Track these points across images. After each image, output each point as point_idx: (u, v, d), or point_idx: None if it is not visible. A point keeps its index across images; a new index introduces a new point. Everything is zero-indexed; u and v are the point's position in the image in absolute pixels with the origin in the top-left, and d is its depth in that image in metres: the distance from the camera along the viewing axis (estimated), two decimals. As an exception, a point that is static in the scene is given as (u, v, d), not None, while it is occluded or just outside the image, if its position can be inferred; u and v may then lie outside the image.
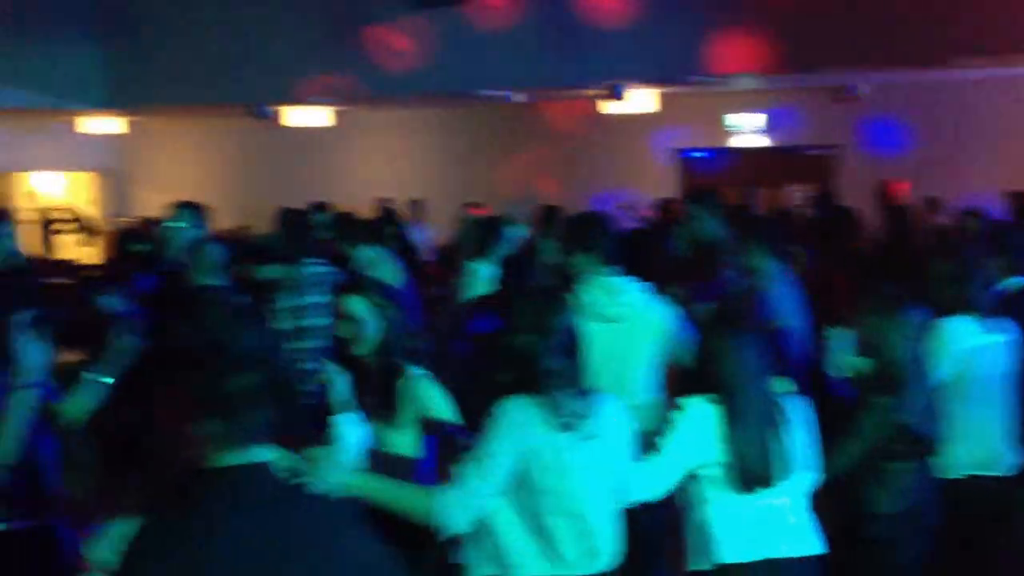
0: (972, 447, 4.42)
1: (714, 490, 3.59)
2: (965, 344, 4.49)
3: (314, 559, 2.42)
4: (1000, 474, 4.54)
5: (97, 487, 3.96)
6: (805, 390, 3.81)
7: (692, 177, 14.36)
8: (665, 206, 10.52)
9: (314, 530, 2.46)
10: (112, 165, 18.18)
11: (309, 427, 2.96)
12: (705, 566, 3.62)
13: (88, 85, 13.75)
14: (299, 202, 8.49)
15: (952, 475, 4.32)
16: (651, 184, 13.51)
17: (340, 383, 3.34)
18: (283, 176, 15.98)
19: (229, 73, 12.92)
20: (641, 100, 12.08)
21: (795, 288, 5.72)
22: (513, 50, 11.42)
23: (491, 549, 3.33)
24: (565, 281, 4.86)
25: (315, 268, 6.13)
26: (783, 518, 3.60)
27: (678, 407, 3.61)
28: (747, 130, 14.21)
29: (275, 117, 13.55)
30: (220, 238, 7.32)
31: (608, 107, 11.84)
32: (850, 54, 10.58)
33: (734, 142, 14.36)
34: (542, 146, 14.73)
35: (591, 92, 12.01)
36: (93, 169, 18.61)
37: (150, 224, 9.91)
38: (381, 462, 3.47)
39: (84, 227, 18.41)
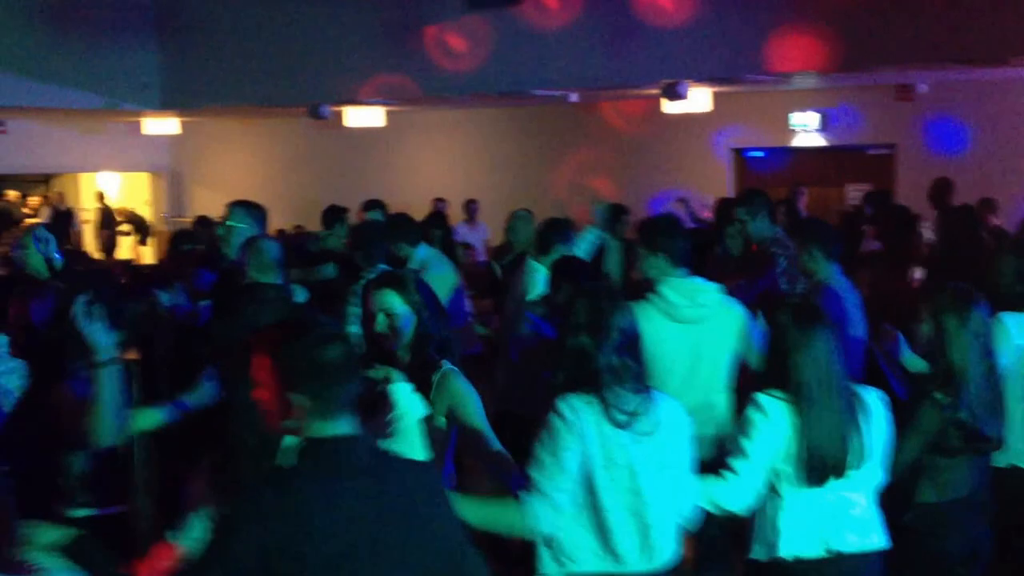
0: (1016, 439, 4.44)
1: (782, 484, 3.62)
2: (1021, 340, 4.57)
3: (408, 522, 2.60)
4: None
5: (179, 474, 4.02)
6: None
7: (750, 176, 14.28)
8: (721, 206, 10.46)
9: (407, 495, 2.63)
10: (168, 165, 18.41)
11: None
12: (765, 557, 3.66)
13: (147, 87, 13.93)
14: (354, 202, 8.54)
15: (999, 464, 4.36)
16: (708, 183, 13.44)
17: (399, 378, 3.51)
18: (339, 176, 16.09)
19: (286, 74, 13.03)
20: (699, 99, 12.02)
21: (852, 290, 5.72)
22: (570, 49, 11.41)
23: (551, 549, 3.38)
24: (639, 282, 4.89)
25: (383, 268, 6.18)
26: (849, 512, 3.63)
27: (756, 406, 3.63)
28: (806, 129, 14.10)
29: (332, 117, 13.63)
30: (281, 238, 7.43)
31: (667, 106, 11.78)
32: (909, 52, 10.45)
33: (792, 141, 14.25)
34: (598, 145, 14.71)
35: (648, 91, 11.97)
36: (149, 169, 18.85)
37: (204, 223, 10.00)
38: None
39: (140, 227, 18.67)
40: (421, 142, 16.12)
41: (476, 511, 3.21)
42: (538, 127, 15.27)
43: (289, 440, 3.32)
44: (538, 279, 6.11)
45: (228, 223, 6.05)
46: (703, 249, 6.84)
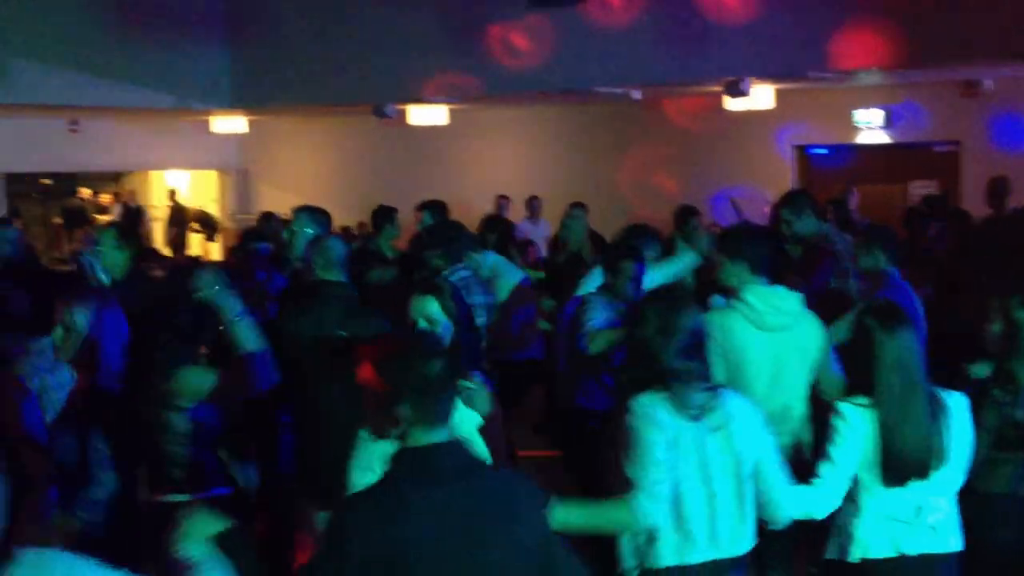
0: None
1: (860, 487, 3.71)
2: None
3: (502, 525, 2.72)
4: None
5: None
6: None
7: (813, 174, 14.20)
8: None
9: (502, 499, 2.77)
10: (236, 164, 18.64)
11: None
12: (841, 557, 3.74)
13: (217, 86, 14.15)
14: (417, 199, 8.61)
15: None
16: (771, 181, 13.35)
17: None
18: (402, 174, 16.21)
19: (352, 73, 13.18)
20: (762, 96, 11.98)
21: (910, 292, 5.73)
22: (633, 47, 11.43)
23: (629, 540, 3.51)
24: (720, 288, 4.96)
25: (463, 272, 6.22)
26: (927, 515, 3.71)
27: (838, 414, 3.73)
28: (870, 126, 13.98)
29: (396, 116, 13.76)
30: (345, 236, 7.54)
31: (730, 103, 11.76)
32: (976, 47, 10.34)
33: (856, 138, 14.14)
34: (661, 143, 14.69)
35: (710, 88, 11.95)
36: (218, 167, 19.11)
37: (268, 219, 10.11)
38: None
39: (209, 225, 18.95)
40: (484, 140, 16.20)
41: (580, 515, 3.34)
42: (600, 125, 15.27)
43: (367, 438, 3.44)
44: (592, 281, 6.17)
45: (293, 227, 6.13)
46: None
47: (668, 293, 3.77)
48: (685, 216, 8.58)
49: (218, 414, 4.23)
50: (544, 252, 11.01)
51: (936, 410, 3.70)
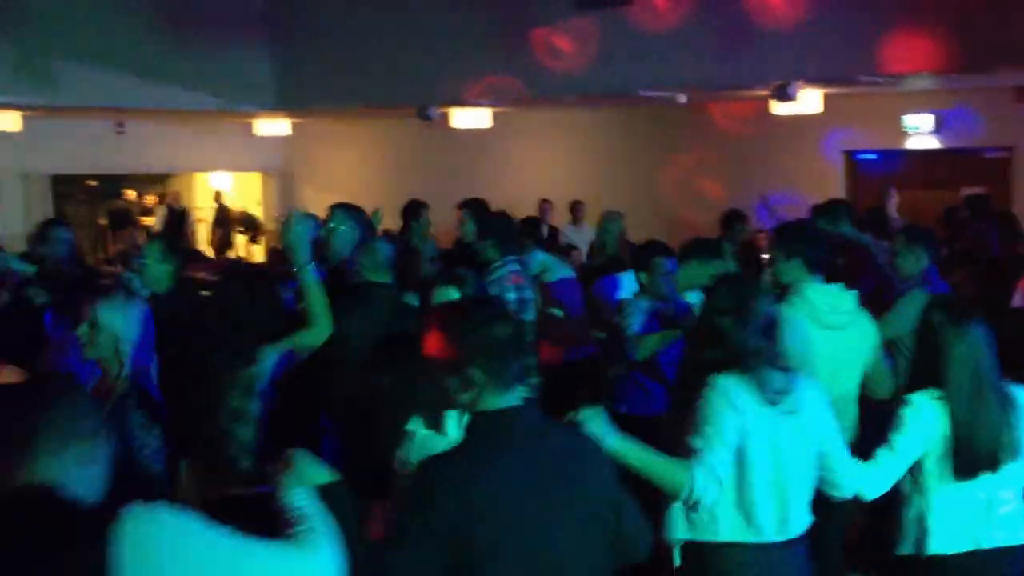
0: None
1: (930, 481, 3.75)
2: None
3: (577, 482, 2.81)
4: None
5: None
6: None
7: (861, 179, 14.04)
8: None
9: (574, 457, 2.86)
10: (278, 166, 18.74)
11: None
12: (915, 552, 3.78)
13: (260, 88, 14.21)
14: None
15: None
16: (819, 186, 13.22)
17: None
18: (445, 176, 16.22)
19: (395, 76, 13.18)
20: (810, 100, 11.86)
21: (950, 291, 5.72)
22: (679, 50, 11.34)
23: (688, 515, 3.57)
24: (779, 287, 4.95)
25: (513, 266, 6.22)
26: (998, 508, 3.75)
27: (908, 405, 3.77)
28: (919, 131, 13.81)
29: (439, 118, 13.75)
30: (387, 238, 7.52)
31: (777, 108, 11.65)
32: (1028, 52, 10.19)
33: (905, 143, 13.97)
34: (706, 147, 14.60)
35: (757, 92, 11.85)
36: (261, 169, 19.23)
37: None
38: None
39: (252, 226, 19.06)
40: (527, 143, 16.18)
41: (642, 456, 3.35)
42: (645, 129, 15.21)
43: (416, 428, 3.44)
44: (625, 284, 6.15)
45: (330, 225, 6.15)
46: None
47: (739, 278, 3.93)
48: (732, 221, 8.51)
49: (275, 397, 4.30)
50: (589, 257, 10.96)
51: (1006, 404, 3.73)
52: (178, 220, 18.17)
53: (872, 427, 4.47)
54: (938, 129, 13.71)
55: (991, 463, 3.69)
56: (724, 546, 3.53)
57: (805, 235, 4.96)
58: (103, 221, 19.03)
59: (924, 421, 3.73)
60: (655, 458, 3.42)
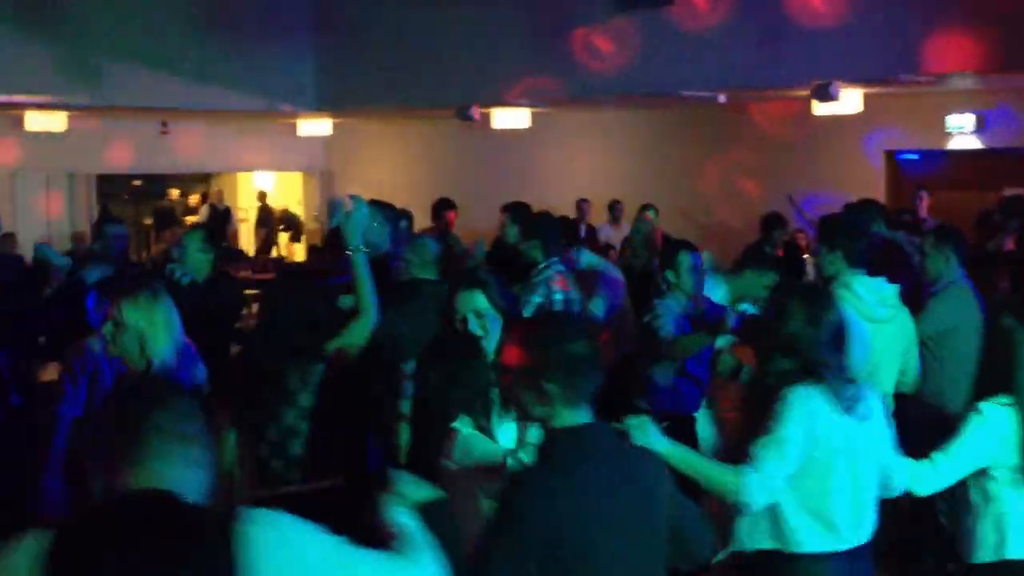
0: None
1: (1003, 488, 3.73)
2: None
3: (647, 498, 2.86)
4: None
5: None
6: None
7: (903, 179, 13.95)
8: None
9: (642, 474, 2.91)
10: (320, 166, 18.86)
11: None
12: (992, 558, 3.76)
13: (302, 89, 14.33)
14: (498, 201, 8.62)
15: None
16: (860, 186, 13.14)
17: None
18: (484, 176, 16.27)
19: (436, 76, 13.25)
20: (851, 100, 11.80)
21: (976, 292, 5.69)
22: (719, 50, 11.33)
23: (769, 525, 3.57)
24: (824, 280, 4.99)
25: (558, 266, 6.23)
26: None
27: (977, 412, 3.74)
28: (962, 131, 13.71)
29: (479, 119, 13.80)
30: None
31: (818, 107, 11.60)
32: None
33: (947, 143, 13.87)
34: (746, 147, 14.56)
35: (798, 92, 11.81)
36: (303, 169, 19.35)
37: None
38: None
39: (293, 225, 19.19)
40: (566, 142, 16.19)
41: (693, 461, 3.42)
42: (685, 128, 15.18)
43: (462, 427, 3.47)
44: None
45: (346, 211, 6.17)
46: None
47: (810, 288, 3.89)
48: (771, 226, 8.51)
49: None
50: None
51: None
52: (220, 219, 18.32)
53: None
54: (980, 129, 13.60)
55: None
56: (804, 556, 3.54)
57: (845, 228, 4.98)
58: (148, 221, 19.24)
59: (991, 431, 3.70)
60: (705, 463, 3.47)
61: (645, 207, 10.90)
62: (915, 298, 5.63)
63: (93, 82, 12.41)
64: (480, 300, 3.94)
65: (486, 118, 14.11)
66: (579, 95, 12.72)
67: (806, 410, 3.45)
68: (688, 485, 3.34)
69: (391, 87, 13.76)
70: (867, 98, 12.13)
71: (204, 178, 20.44)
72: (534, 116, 14.51)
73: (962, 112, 13.53)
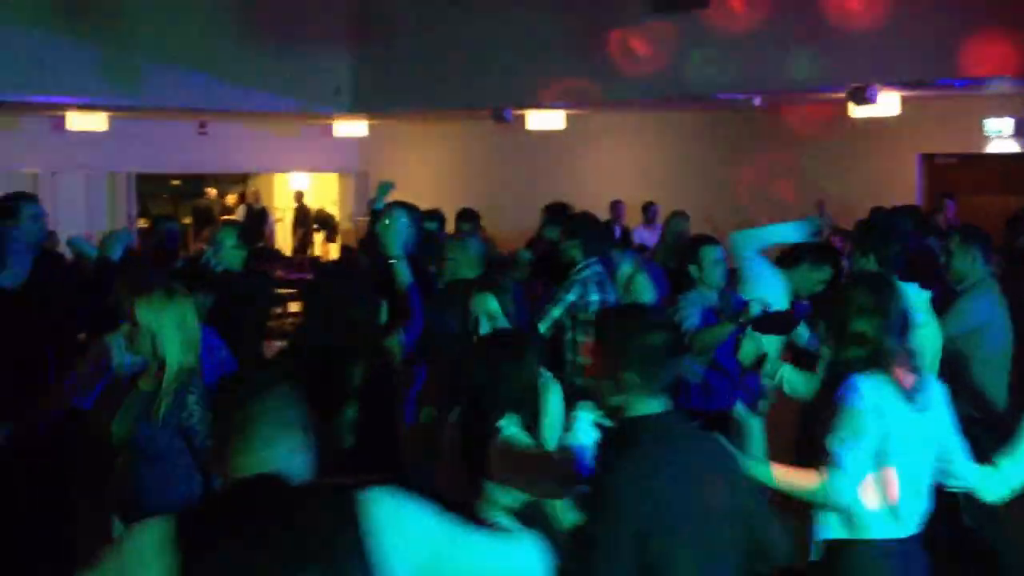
0: None
1: None
2: None
3: (724, 482, 2.94)
4: None
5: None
6: None
7: (940, 183, 13.87)
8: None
9: (719, 459, 3.02)
10: (356, 166, 18.96)
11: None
12: None
13: (339, 91, 14.44)
14: (534, 203, 8.67)
15: None
16: (896, 190, 13.10)
17: None
18: (519, 178, 16.32)
19: (471, 78, 13.30)
20: (888, 103, 11.75)
21: (999, 296, 5.67)
22: (754, 53, 11.31)
23: (840, 515, 3.60)
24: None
25: (597, 267, 6.29)
26: None
27: None
28: (1000, 135, 13.61)
29: (514, 120, 13.84)
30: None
31: (854, 110, 11.55)
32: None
33: (985, 147, 13.77)
34: (781, 150, 14.50)
35: (834, 95, 11.77)
36: (338, 170, 19.46)
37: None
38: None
39: (328, 226, 19.30)
40: (601, 144, 16.20)
41: (776, 475, 3.49)
42: (719, 131, 15.16)
43: (507, 425, 3.51)
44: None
45: (386, 221, 6.26)
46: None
47: (877, 277, 3.88)
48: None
49: None
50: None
51: None
52: (257, 219, 18.46)
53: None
54: (1019, 133, 13.50)
55: None
56: (870, 542, 3.57)
57: (878, 232, 4.98)
58: (186, 220, 19.43)
59: None
60: (786, 475, 3.52)
61: (676, 214, 10.92)
62: (945, 307, 5.63)
63: (134, 83, 12.56)
64: (492, 303, 4.02)
65: (521, 119, 14.16)
66: (614, 97, 12.73)
67: (874, 400, 3.48)
68: None
69: (427, 89, 13.83)
70: (904, 101, 12.07)
71: (241, 178, 20.60)
72: (569, 117, 14.53)
73: (999, 116, 13.44)
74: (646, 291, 7.11)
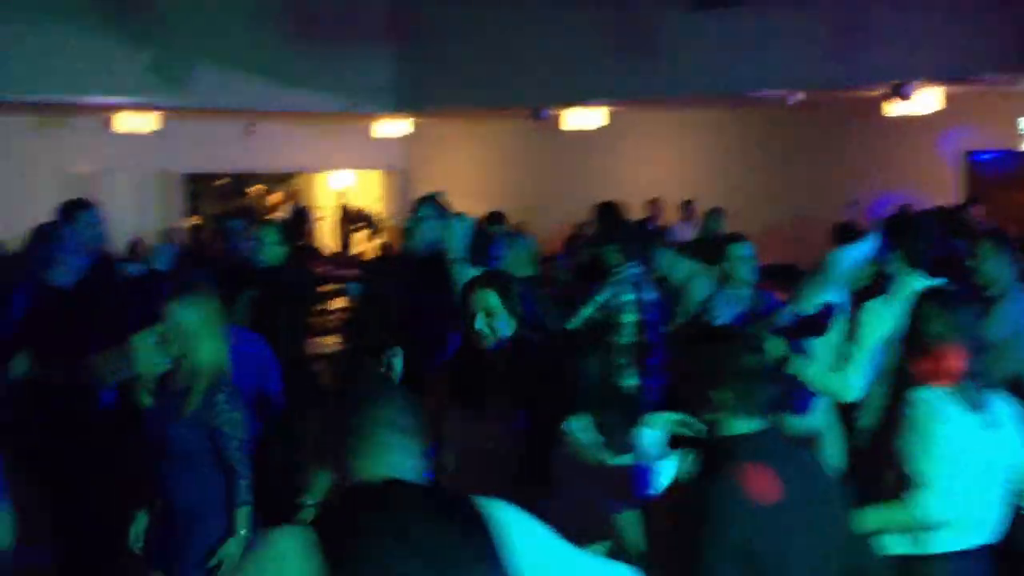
0: None
1: None
2: None
3: (828, 502, 2.92)
4: None
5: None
6: None
7: (978, 180, 13.81)
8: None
9: (819, 479, 2.99)
10: (398, 165, 19.10)
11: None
12: None
13: (382, 90, 14.60)
14: (573, 201, 8.75)
15: None
16: (935, 187, 13.07)
17: None
18: (559, 176, 16.39)
19: (512, 77, 13.41)
20: (926, 100, 11.72)
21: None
22: (794, 50, 11.33)
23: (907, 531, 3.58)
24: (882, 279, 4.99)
25: (635, 269, 6.33)
26: None
27: None
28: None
29: (553, 119, 13.92)
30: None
31: (893, 107, 11.53)
32: None
33: (1022, 145, 13.69)
34: (819, 147, 14.50)
35: (873, 92, 11.77)
36: (381, 168, 19.60)
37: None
38: None
39: (371, 223, 19.46)
40: (639, 142, 16.22)
41: (872, 517, 3.41)
42: (758, 128, 15.13)
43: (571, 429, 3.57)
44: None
45: (417, 216, 6.34)
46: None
47: (946, 291, 3.83)
48: (843, 235, 8.53)
49: None
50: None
51: None
52: (300, 217, 18.67)
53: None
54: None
55: None
56: (936, 557, 3.55)
57: (907, 229, 4.92)
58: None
59: None
60: (878, 515, 3.46)
61: (713, 211, 10.98)
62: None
63: (183, 85, 12.79)
64: (492, 300, 3.94)
65: (561, 118, 14.24)
66: (654, 95, 12.78)
67: (941, 414, 3.47)
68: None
69: (468, 88, 13.95)
70: (943, 97, 12.04)
71: (286, 177, 20.79)
72: (608, 115, 14.58)
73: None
74: (702, 292, 7.18)
